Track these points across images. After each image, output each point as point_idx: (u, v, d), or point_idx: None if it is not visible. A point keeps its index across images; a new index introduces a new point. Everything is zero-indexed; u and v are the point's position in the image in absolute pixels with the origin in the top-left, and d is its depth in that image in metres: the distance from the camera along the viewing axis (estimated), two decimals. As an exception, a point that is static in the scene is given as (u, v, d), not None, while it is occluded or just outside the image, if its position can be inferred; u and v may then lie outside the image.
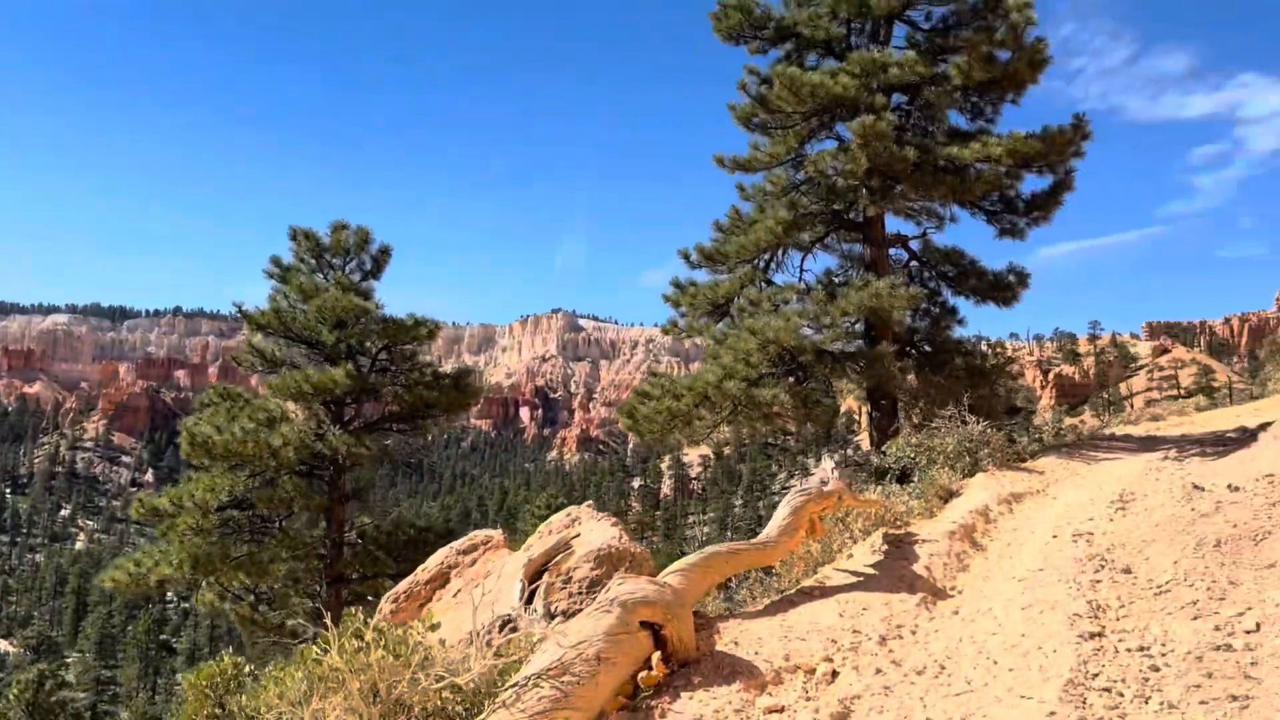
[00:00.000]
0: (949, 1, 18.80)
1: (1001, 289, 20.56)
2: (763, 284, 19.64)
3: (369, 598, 20.26)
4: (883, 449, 15.76)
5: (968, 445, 14.66)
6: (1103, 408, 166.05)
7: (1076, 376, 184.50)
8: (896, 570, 8.03)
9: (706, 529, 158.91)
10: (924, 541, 8.97)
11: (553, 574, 5.92)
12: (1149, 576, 7.77)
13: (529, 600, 5.87)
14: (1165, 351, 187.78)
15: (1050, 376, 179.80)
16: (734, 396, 17.36)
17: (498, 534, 8.06)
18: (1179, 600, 7.18)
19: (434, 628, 4.80)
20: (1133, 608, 7.19)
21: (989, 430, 15.08)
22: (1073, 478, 14.54)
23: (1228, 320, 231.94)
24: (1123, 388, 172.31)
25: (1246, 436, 17.72)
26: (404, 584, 7.51)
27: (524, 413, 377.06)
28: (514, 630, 5.63)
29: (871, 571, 7.97)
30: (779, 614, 6.85)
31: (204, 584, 19.47)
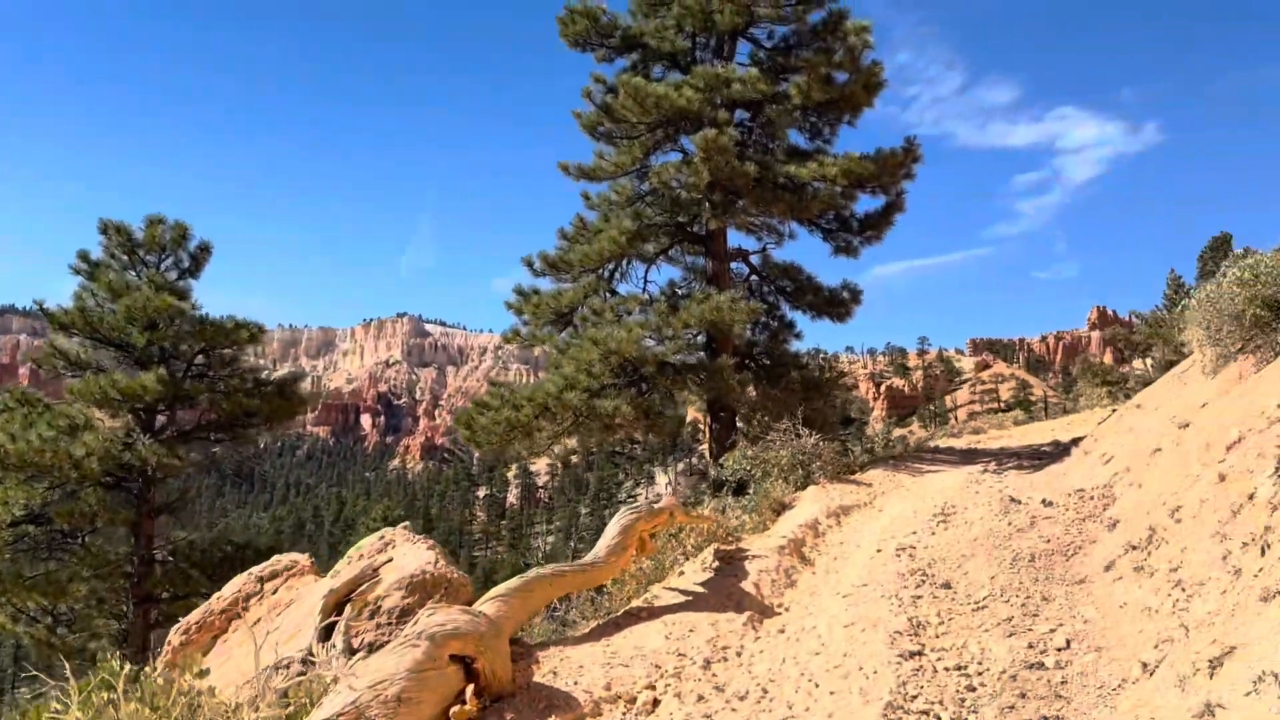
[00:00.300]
0: (791, 21, 19.20)
1: (836, 304, 21.12)
2: (607, 294, 19.48)
3: (179, 618, 18.88)
4: (720, 461, 15.83)
5: (800, 458, 14.88)
6: (929, 419, 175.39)
7: (906, 389, 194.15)
8: (725, 588, 7.93)
9: (552, 538, 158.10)
10: (754, 557, 8.93)
11: (357, 604, 5.44)
12: (967, 591, 7.94)
13: (329, 635, 5.37)
14: (987, 367, 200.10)
15: (882, 389, 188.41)
16: (575, 407, 17.11)
17: (304, 559, 7.45)
18: (995, 616, 7.35)
19: (202, 674, 4.28)
20: (952, 624, 7.31)
21: (821, 443, 15.36)
22: (898, 490, 14.99)
23: (1044, 338, 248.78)
24: (948, 400, 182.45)
25: (1059, 451, 18.79)
26: (197, 613, 6.81)
27: (365, 419, 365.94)
28: (313, 667, 5.13)
29: (701, 590, 7.83)
30: (604, 638, 6.60)
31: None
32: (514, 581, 6.13)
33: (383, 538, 6.89)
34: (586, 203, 20.46)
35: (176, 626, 6.79)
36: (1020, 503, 12.88)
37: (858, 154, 18.30)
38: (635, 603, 7.39)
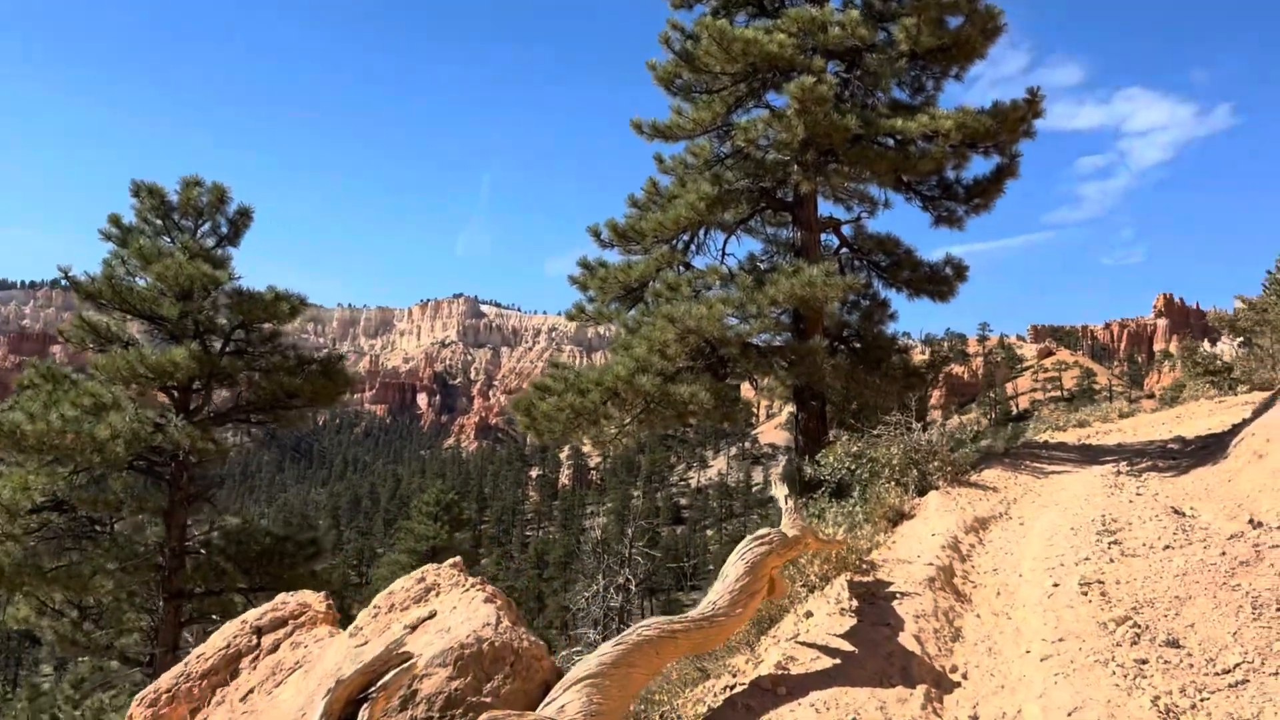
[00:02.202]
0: (895, -41, 16.90)
1: (938, 281, 18.85)
2: (681, 267, 17.46)
3: (214, 616, 17.40)
4: (816, 458, 13.76)
5: (914, 456, 12.75)
6: (989, 406, 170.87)
7: (966, 376, 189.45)
8: (878, 642, 5.91)
9: (604, 519, 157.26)
10: (901, 595, 6.89)
11: (379, 704, 3.56)
12: (1206, 654, 5.84)
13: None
14: (1050, 354, 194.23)
15: (941, 376, 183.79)
16: (647, 393, 15.16)
17: (318, 600, 5.61)
18: (1265, 693, 5.26)
19: None
20: (1208, 705, 5.24)
21: (939, 439, 13.21)
22: (1030, 496, 12.79)
23: (1108, 325, 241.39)
24: (1009, 388, 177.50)
25: (1199, 449, 16.39)
26: (168, 677, 5.06)
27: (421, 399, 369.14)
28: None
29: (846, 646, 5.83)
30: (731, 729, 4.65)
31: (18, 596, 16.33)
32: (608, 651, 4.22)
33: (423, 580, 4.98)
34: (660, 166, 18.40)
35: (140, 696, 5.03)
36: (1183, 515, 10.67)
37: (974, 108, 16.00)
38: (764, 667, 5.41)
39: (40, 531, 15.79)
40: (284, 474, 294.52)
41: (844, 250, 18.87)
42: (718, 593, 5.09)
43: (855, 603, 6.66)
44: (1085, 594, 7.17)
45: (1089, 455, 17.72)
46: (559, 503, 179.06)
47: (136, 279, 16.21)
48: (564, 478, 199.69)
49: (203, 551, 16.27)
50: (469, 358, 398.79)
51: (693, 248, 18.10)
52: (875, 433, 13.34)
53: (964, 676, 5.80)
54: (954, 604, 7.14)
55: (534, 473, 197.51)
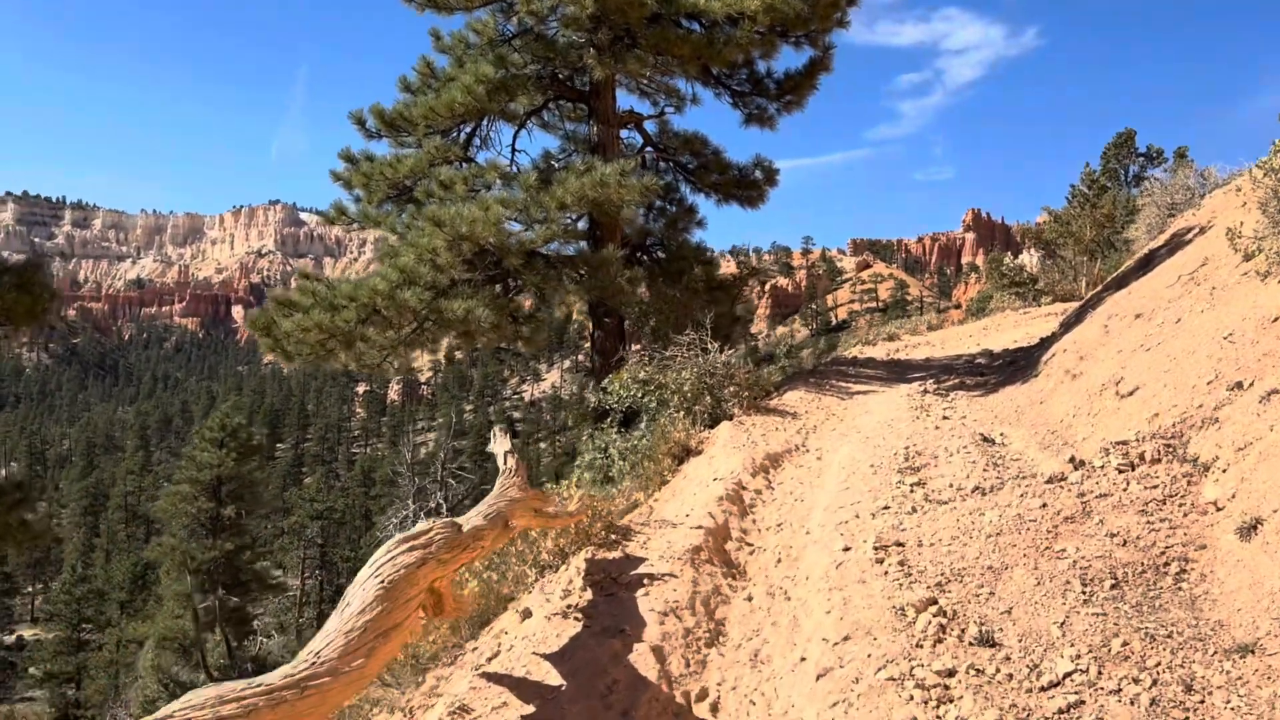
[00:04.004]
0: None
1: (747, 186, 17.37)
2: (461, 163, 15.20)
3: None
4: (603, 384, 12.10)
5: (709, 381, 11.26)
6: (811, 318, 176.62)
7: (790, 288, 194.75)
8: (600, 665, 4.24)
9: (434, 434, 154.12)
10: (653, 580, 5.26)
11: None
12: (1029, 658, 4.47)
13: None
14: (867, 266, 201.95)
15: (766, 288, 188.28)
16: (414, 309, 13.02)
17: None
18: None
19: None
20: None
21: (736, 360, 11.76)
22: (831, 422, 11.56)
23: (920, 239, 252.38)
24: (829, 299, 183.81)
25: (1007, 365, 15.76)
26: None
27: (237, 311, 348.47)
28: None
29: (553, 676, 4.13)
30: None
31: None
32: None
33: None
34: (436, 44, 15.88)
35: None
36: (993, 441, 9.64)
37: (783, -12, 14.27)
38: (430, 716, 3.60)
39: None
40: (87, 392, 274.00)
41: (648, 150, 17.06)
42: (328, 633, 3.25)
43: (589, 594, 4.99)
44: (881, 561, 5.75)
45: (896, 372, 16.89)
46: (388, 419, 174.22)
47: None
48: (393, 393, 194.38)
49: None
50: (289, 269, 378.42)
51: (476, 141, 15.85)
52: (668, 354, 11.76)
53: (714, 710, 4.21)
54: (721, 583, 5.58)
55: (361, 388, 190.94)
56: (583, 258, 14.59)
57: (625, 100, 16.90)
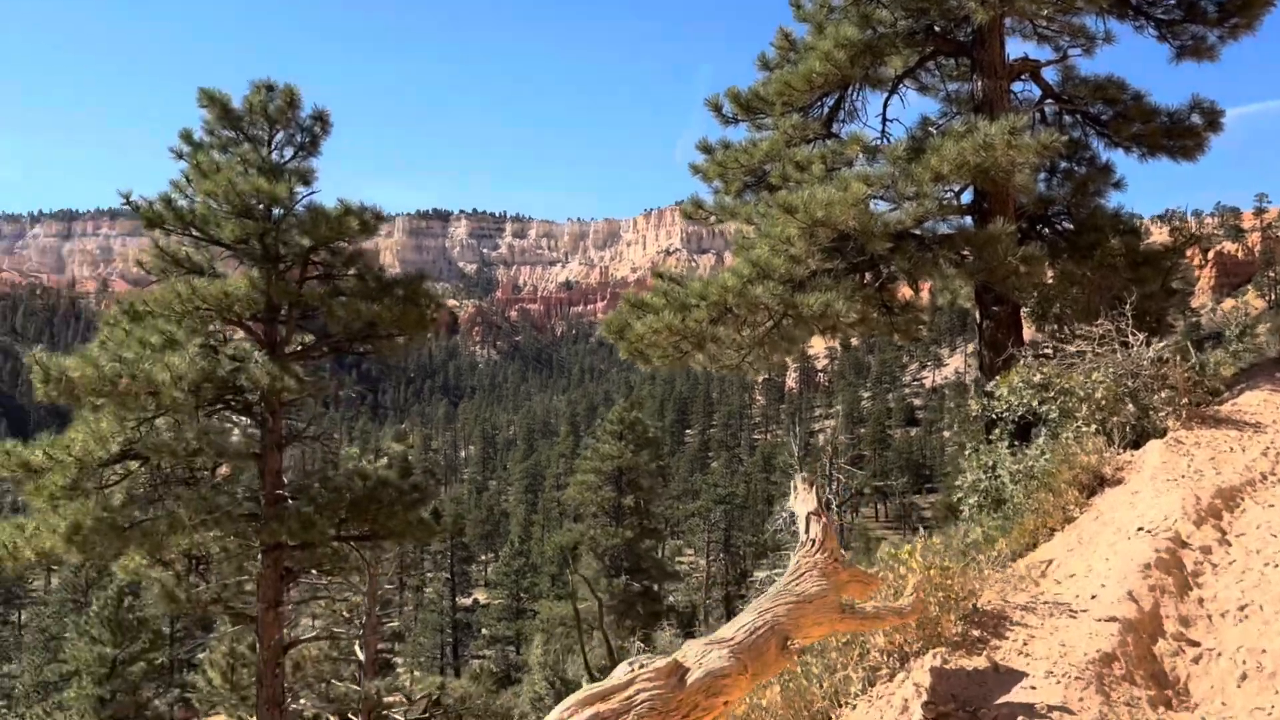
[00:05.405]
0: None
1: (1180, 135, 14.03)
2: (823, 140, 13.71)
3: (312, 571, 16.02)
4: (988, 388, 10.01)
5: (1131, 384, 8.76)
6: (1268, 288, 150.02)
7: (1240, 254, 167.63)
8: None
9: (832, 422, 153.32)
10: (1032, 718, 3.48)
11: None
12: None
13: None
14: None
15: (1210, 255, 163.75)
16: (768, 306, 11.80)
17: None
18: None
19: None
20: None
21: (1169, 354, 9.10)
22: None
23: None
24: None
25: None
26: None
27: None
28: None
29: None
30: None
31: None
32: None
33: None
34: (796, 13, 14.49)
35: None
36: None
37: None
38: None
39: (128, 482, 14.73)
40: (527, 383, 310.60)
41: (1047, 102, 14.35)
42: None
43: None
44: None
45: None
46: (786, 406, 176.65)
47: (195, 199, 14.53)
48: (790, 381, 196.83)
49: (290, 500, 14.71)
50: (693, 265, 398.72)
51: (841, 116, 14.27)
52: (1072, 350, 9.39)
53: None
54: (1145, 724, 3.63)
55: (760, 376, 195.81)
56: (964, 236, 12.45)
57: (1017, 48, 14.38)
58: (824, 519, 4.05)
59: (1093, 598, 4.66)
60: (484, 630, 68.96)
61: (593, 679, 21.42)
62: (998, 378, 10.05)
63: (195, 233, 14.62)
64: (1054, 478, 7.42)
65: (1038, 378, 9.11)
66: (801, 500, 4.26)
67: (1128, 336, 9.25)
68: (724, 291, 11.63)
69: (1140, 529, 5.79)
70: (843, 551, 3.96)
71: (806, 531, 4.03)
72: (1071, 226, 13.82)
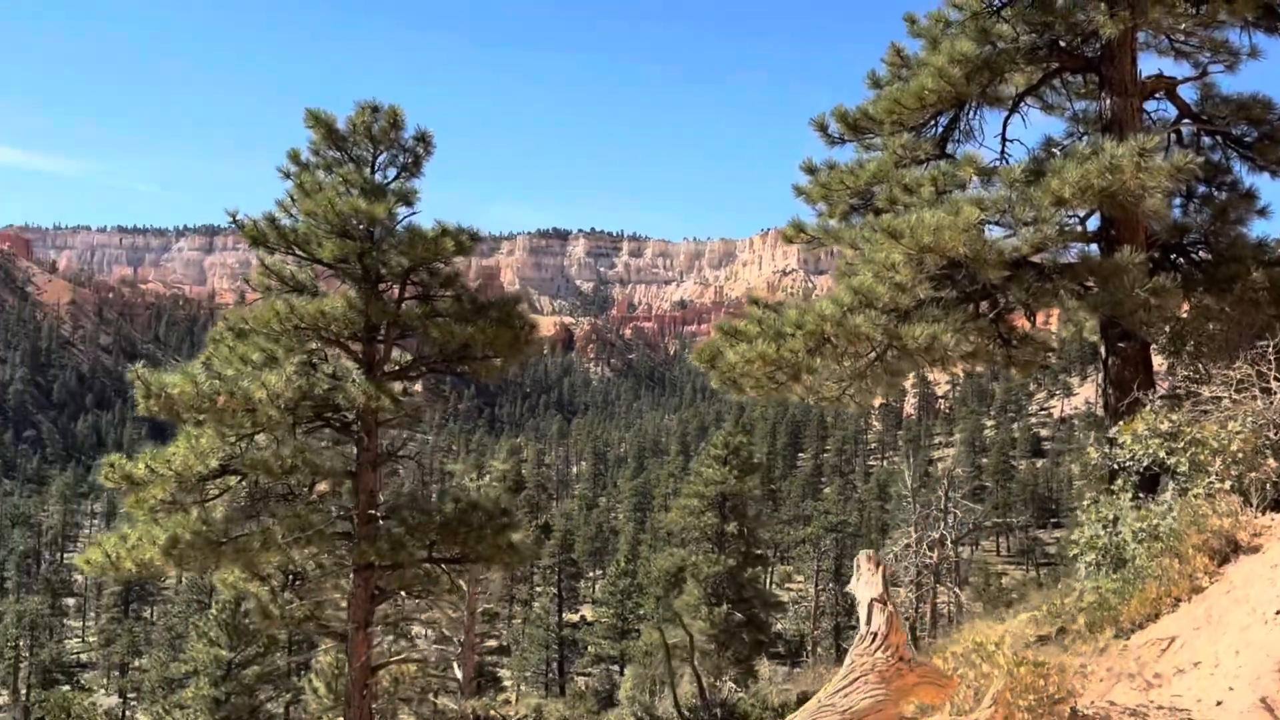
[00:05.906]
0: None
1: (1338, 157, 12.76)
2: (934, 161, 13.00)
3: (402, 593, 16.02)
4: (1112, 434, 9.15)
5: (1271, 437, 7.81)
6: None
7: None
8: None
9: (953, 450, 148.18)
10: None
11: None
12: None
13: None
14: None
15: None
16: (870, 337, 11.16)
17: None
18: None
19: None
20: None
21: (1319, 405, 8.10)
22: None
23: None
24: None
25: None
26: None
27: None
28: None
29: None
30: None
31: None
32: None
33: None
34: (910, 29, 13.82)
35: None
36: None
37: None
38: None
39: (229, 496, 15.05)
40: (640, 401, 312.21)
41: (1184, 122, 13.27)
42: None
43: None
44: None
45: None
46: (903, 432, 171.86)
47: (298, 218, 14.79)
48: (909, 406, 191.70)
49: (381, 521, 14.75)
50: (810, 285, 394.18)
51: (956, 136, 13.52)
52: (1206, 395, 8.47)
53: None
54: None
55: (876, 401, 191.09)
56: (1088, 265, 11.55)
57: (1151, 64, 13.38)
58: (890, 607, 3.47)
59: (1218, 704, 3.97)
60: (589, 648, 68.95)
61: (682, 718, 20.86)
62: (1121, 422, 9.17)
63: (298, 251, 14.85)
64: (1181, 541, 6.61)
65: (1165, 425, 8.23)
66: (865, 583, 3.65)
67: (1270, 382, 8.29)
68: (821, 320, 11.06)
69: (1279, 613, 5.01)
70: (911, 648, 3.37)
71: (868, 623, 3.47)
72: (1209, 256, 12.70)
